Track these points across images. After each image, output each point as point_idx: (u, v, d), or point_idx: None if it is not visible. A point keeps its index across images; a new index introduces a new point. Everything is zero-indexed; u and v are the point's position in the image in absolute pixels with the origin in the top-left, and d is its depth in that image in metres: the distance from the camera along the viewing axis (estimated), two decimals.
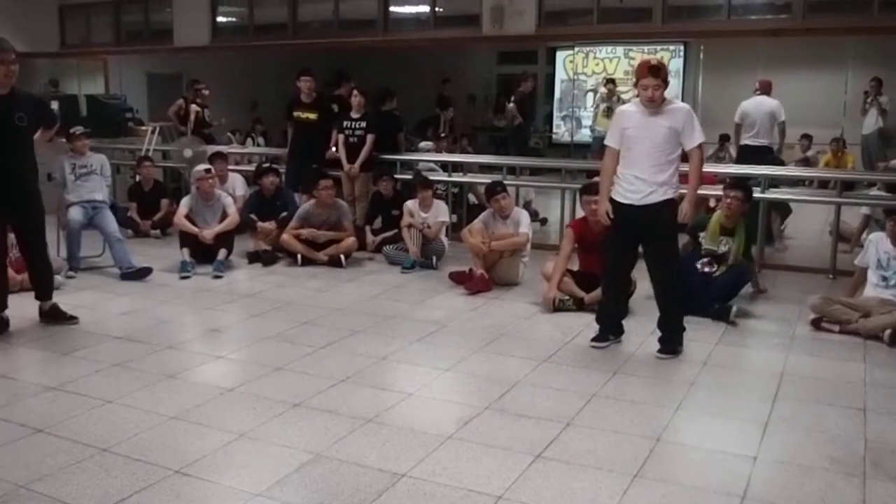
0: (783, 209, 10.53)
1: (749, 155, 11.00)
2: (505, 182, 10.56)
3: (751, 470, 4.34)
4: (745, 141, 11.40)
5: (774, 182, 9.40)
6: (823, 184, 11.28)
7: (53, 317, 7.00)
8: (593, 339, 6.52)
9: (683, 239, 7.41)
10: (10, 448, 4.66)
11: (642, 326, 6.77)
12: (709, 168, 10.41)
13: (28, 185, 6.71)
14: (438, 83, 18.10)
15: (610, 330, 6.55)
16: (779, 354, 6.35)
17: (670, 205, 6.09)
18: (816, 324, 6.97)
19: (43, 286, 7.09)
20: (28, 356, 6.19)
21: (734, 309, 7.19)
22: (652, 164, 6.02)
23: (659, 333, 6.37)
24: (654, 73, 5.93)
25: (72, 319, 7.01)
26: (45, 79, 15.77)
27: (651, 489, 4.12)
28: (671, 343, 6.28)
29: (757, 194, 8.49)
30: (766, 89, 11.41)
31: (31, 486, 4.10)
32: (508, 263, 8.36)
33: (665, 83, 6.01)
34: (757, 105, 11.24)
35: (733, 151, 14.83)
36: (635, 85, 6.10)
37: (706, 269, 7.50)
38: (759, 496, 4.06)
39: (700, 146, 6.08)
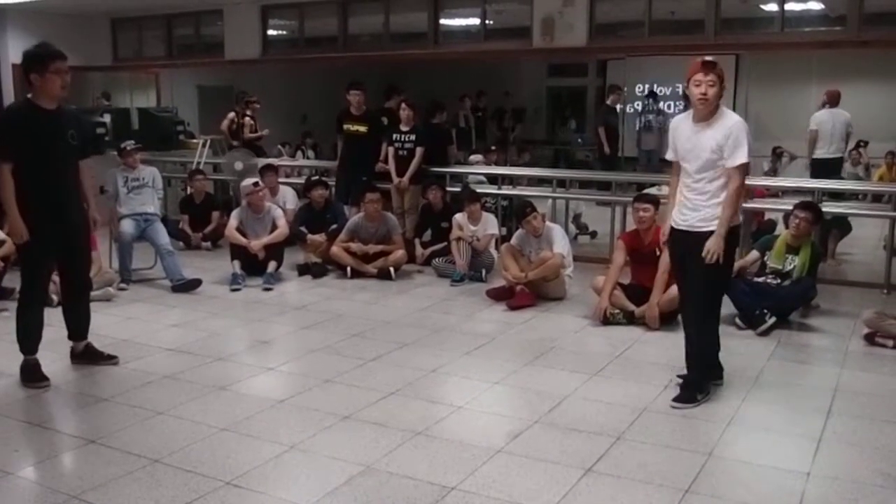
0: (842, 227, 10.34)
1: (823, 169, 10.98)
2: (555, 195, 10.62)
3: (804, 486, 4.28)
4: (818, 155, 11.38)
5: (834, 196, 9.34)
6: (878, 197, 11.13)
7: (89, 357, 6.31)
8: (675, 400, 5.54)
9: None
10: (63, 458, 4.72)
11: None
12: (762, 181, 10.37)
13: (83, 214, 6.10)
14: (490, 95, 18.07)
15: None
16: (832, 369, 6.25)
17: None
18: (870, 338, 6.86)
19: (82, 324, 6.34)
20: (80, 367, 6.23)
21: (768, 324, 7.10)
22: (699, 183, 5.38)
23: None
24: (709, 67, 5.25)
25: (111, 359, 6.34)
26: (97, 92, 15.96)
27: None
28: (688, 391, 5.51)
29: None
30: (834, 100, 11.44)
31: (84, 497, 4.15)
32: (553, 283, 8.31)
33: (720, 81, 5.28)
34: (832, 115, 11.28)
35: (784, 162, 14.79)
36: (686, 89, 5.42)
37: (770, 281, 7.46)
38: None
39: (741, 168, 5.24)
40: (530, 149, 18.66)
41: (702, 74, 5.23)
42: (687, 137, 5.44)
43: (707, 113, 5.33)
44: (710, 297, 5.56)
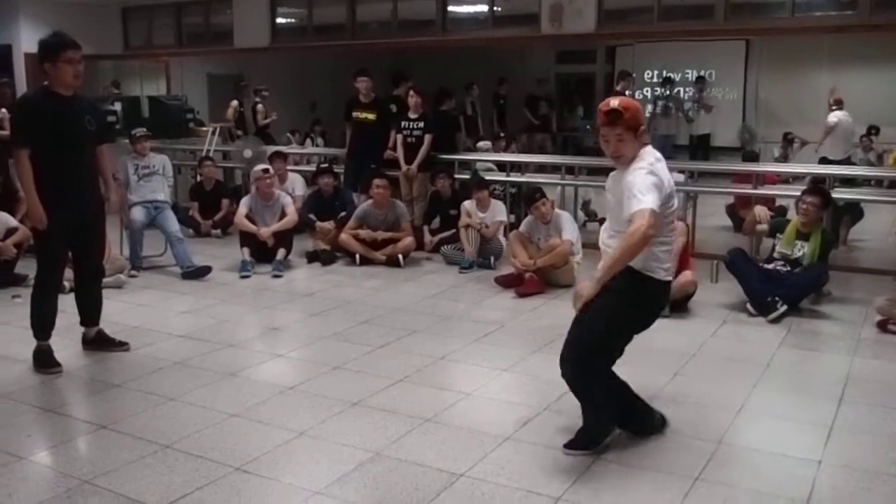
0: (854, 213, 10.30)
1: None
2: (564, 182, 10.60)
3: (815, 474, 4.26)
4: (828, 154, 11.51)
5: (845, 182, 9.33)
6: (890, 183, 11.09)
7: (100, 343, 6.34)
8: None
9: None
10: (75, 443, 4.74)
11: (705, 325, 6.70)
12: (773, 167, 10.35)
13: (99, 201, 6.08)
14: (496, 83, 17.90)
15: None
16: (844, 357, 6.23)
17: (625, 275, 4.27)
18: (882, 326, 6.82)
19: (94, 311, 6.37)
20: (92, 353, 6.25)
21: (779, 311, 7.06)
22: (612, 227, 4.49)
23: None
24: (613, 119, 4.25)
25: (122, 345, 6.37)
26: (107, 81, 15.95)
27: (712, 492, 4.07)
28: (582, 434, 4.57)
29: None
30: (841, 103, 11.86)
31: (95, 482, 4.16)
32: (562, 270, 8.30)
33: (634, 128, 4.26)
34: (846, 116, 11.73)
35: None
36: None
37: (780, 268, 7.43)
38: (823, 501, 4.00)
39: (638, 215, 4.05)
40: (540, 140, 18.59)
41: (607, 129, 4.30)
42: (610, 188, 4.54)
43: (626, 163, 4.32)
44: (590, 343, 4.46)
